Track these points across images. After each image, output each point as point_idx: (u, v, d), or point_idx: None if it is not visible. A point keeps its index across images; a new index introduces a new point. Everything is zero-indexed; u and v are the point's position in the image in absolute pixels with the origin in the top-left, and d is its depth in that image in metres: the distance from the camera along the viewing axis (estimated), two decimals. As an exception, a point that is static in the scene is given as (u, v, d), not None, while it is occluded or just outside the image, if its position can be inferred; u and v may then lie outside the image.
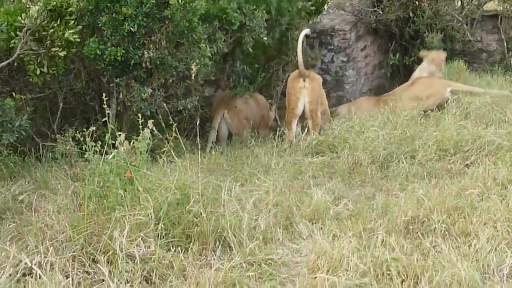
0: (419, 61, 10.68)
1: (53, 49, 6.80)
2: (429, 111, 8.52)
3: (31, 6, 6.91)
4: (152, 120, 5.18)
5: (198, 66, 7.48)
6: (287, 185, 6.21)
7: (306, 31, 8.97)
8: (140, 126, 5.15)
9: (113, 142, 5.02)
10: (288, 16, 9.49)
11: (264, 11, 8.67)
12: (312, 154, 7.53)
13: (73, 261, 4.45)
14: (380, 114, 8.28)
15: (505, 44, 11.25)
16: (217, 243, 4.88)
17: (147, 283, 4.43)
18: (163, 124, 6.11)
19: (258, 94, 9.85)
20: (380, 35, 11.52)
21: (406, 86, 9.59)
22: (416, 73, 10.09)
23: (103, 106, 5.38)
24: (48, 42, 6.82)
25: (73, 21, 6.93)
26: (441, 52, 10.30)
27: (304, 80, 8.49)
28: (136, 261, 4.40)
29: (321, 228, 5.22)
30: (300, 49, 8.49)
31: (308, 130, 8.42)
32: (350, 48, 10.73)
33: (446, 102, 8.81)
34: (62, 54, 6.82)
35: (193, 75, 7.99)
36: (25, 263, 4.31)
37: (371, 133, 7.33)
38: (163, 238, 4.67)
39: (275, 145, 7.42)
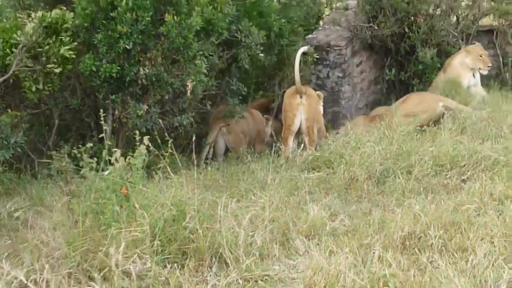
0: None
1: (49, 65, 6.83)
2: (425, 127, 8.55)
3: (27, 23, 6.93)
4: (148, 137, 5.19)
5: (194, 82, 7.50)
6: (283, 201, 6.22)
7: (304, 48, 9.02)
8: (136, 143, 5.16)
9: (109, 158, 5.03)
10: (287, 36, 9.55)
11: (263, 33, 8.68)
12: (308, 169, 7.54)
13: (69, 278, 4.44)
14: (376, 129, 8.28)
15: (501, 59, 11.34)
16: (213, 260, 4.89)
17: (144, 300, 4.43)
18: (159, 140, 6.12)
19: (254, 110, 9.87)
20: (376, 51, 11.58)
21: (399, 102, 9.60)
22: (456, 66, 10.12)
23: (99, 122, 5.40)
24: (43, 58, 6.85)
25: (68, 38, 6.96)
26: (480, 45, 10.43)
27: (301, 97, 8.51)
28: (132, 277, 4.39)
29: (318, 244, 5.23)
30: (298, 67, 8.49)
31: (304, 146, 8.43)
32: (345, 63, 10.78)
33: (442, 117, 8.83)
34: (57, 70, 6.85)
35: (189, 91, 8.01)
36: (21, 280, 4.31)
37: (367, 148, 7.34)
38: (159, 254, 4.68)
39: (271, 161, 7.43)
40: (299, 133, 8.64)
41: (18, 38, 6.73)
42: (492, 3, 11.41)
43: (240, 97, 8.93)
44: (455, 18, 11.46)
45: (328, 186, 6.90)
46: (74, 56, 6.95)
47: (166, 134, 6.50)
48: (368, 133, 8.18)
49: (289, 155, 8.22)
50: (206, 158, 8.64)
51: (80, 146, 5.16)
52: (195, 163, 6.00)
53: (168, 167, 5.44)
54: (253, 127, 9.56)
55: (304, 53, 9.13)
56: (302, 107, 8.52)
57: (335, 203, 6.30)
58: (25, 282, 4.29)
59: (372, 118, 9.68)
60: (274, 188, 6.56)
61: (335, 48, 10.74)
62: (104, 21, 7.08)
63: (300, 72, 8.60)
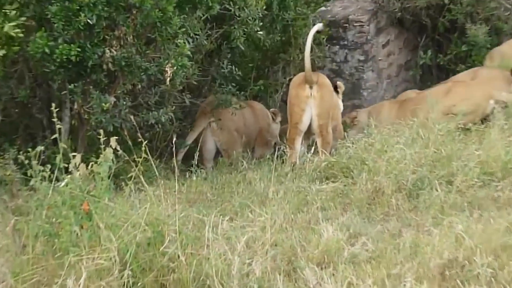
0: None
1: (-11, 47, 6.84)
2: (470, 124, 8.54)
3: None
4: (116, 137, 5.20)
5: (175, 67, 7.49)
6: (289, 220, 6.23)
7: (319, 26, 8.90)
8: (101, 145, 5.16)
9: (66, 165, 5.04)
10: (293, 8, 9.53)
11: (262, 3, 8.67)
12: (321, 179, 7.55)
13: (15, 318, 4.45)
14: (407, 127, 8.26)
15: None
16: (200, 294, 4.90)
17: None
18: (129, 142, 6.12)
19: (255, 102, 9.83)
20: (407, 28, 11.59)
21: (439, 92, 9.52)
22: None
23: (53, 119, 5.40)
24: (-18, 38, 6.86)
25: (14, 12, 6.96)
26: None
27: (311, 87, 8.45)
28: (96, 317, 4.41)
29: (333, 275, 5.23)
30: (309, 49, 8.44)
31: (315, 149, 8.40)
32: (368, 43, 10.80)
33: (492, 112, 8.82)
34: (0, 53, 6.85)
35: (168, 79, 8.00)
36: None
37: (396, 152, 7.32)
38: (130, 287, 4.68)
39: (274, 168, 7.42)
40: (309, 133, 8.62)
41: (-50, 12, 6.74)
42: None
43: (233, 84, 8.88)
44: (508, -15, 11.49)
45: (346, 201, 6.91)
46: (21, 34, 6.95)
47: (139, 134, 6.52)
48: (396, 132, 8.16)
49: (296, 161, 8.21)
50: (191, 165, 8.59)
51: (29, 149, 5.16)
52: (176, 171, 6.01)
53: (141, 176, 5.44)
54: (252, 124, 9.52)
55: (317, 32, 9.08)
56: (313, 100, 8.47)
57: (355, 222, 6.30)
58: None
59: (401, 103, 9.63)
60: (277, 203, 6.56)
61: (355, 24, 10.77)
62: (59, -10, 7.09)
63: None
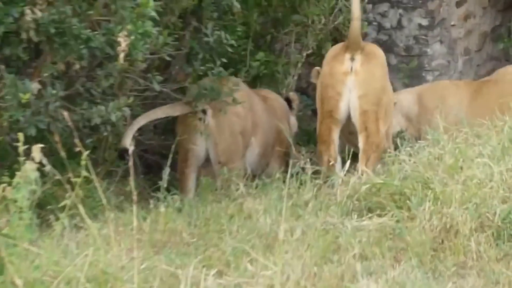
0: None
1: None
2: None
3: None
4: (41, 145, 5.25)
5: (132, 36, 7.51)
6: (310, 274, 6.28)
7: None
8: (19, 157, 5.22)
9: (-35, 188, 5.10)
10: None
11: None
12: (361, 212, 7.58)
13: None
14: (494, 130, 8.26)
15: None
16: None
17: None
18: (62, 153, 6.14)
19: (267, 90, 9.77)
20: (495, -23, 11.67)
21: None
22: None
23: None
24: None
25: None
26: None
27: (352, 58, 8.37)
28: None
29: None
30: None
31: (352, 164, 8.38)
32: (435, 0, 10.85)
33: None
34: None
35: (122, 54, 8.01)
36: None
37: (478, 170, 7.36)
38: None
39: (286, 194, 7.47)
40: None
41: None
42: None
43: (224, 60, 8.88)
44: None
45: (400, 245, 6.96)
46: None
47: (76, 141, 6.58)
48: (477, 137, 8.17)
49: (336, 168, 8.15)
50: (168, 190, 8.43)
51: None
52: (134, 197, 6.06)
53: (80, 205, 5.49)
54: (267, 123, 9.41)
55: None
56: (355, 78, 8.40)
57: (412, 277, 6.36)
58: None
59: (478, 87, 9.59)
60: (292, 249, 6.61)
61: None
62: None
63: None
